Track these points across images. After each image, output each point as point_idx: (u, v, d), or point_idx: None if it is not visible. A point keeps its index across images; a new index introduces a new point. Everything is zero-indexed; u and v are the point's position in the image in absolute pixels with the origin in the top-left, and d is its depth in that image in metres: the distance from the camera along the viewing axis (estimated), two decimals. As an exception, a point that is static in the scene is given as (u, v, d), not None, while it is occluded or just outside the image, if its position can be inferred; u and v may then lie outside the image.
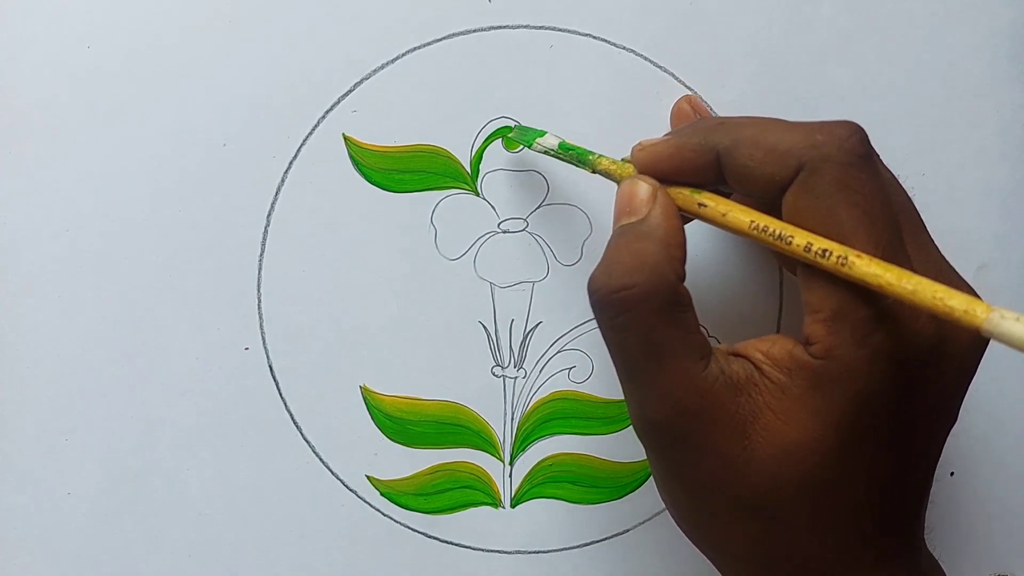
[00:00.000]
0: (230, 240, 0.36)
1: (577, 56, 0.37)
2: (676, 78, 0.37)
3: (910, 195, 0.32)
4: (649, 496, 0.38)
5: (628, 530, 0.38)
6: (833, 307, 0.27)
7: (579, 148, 0.34)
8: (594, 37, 0.37)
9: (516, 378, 0.38)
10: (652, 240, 0.29)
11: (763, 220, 0.28)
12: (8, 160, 0.35)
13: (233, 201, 0.36)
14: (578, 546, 0.38)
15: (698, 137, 0.30)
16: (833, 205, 0.27)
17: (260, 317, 0.36)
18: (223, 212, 0.36)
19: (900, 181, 0.32)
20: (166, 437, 0.36)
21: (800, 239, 0.27)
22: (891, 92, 0.39)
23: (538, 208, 0.37)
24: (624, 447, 0.38)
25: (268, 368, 0.37)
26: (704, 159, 0.29)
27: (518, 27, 0.37)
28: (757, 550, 0.29)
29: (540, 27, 0.37)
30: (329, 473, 0.37)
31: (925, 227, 0.31)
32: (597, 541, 0.38)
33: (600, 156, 0.33)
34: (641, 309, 0.28)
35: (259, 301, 0.36)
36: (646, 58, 0.37)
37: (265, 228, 0.36)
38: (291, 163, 0.36)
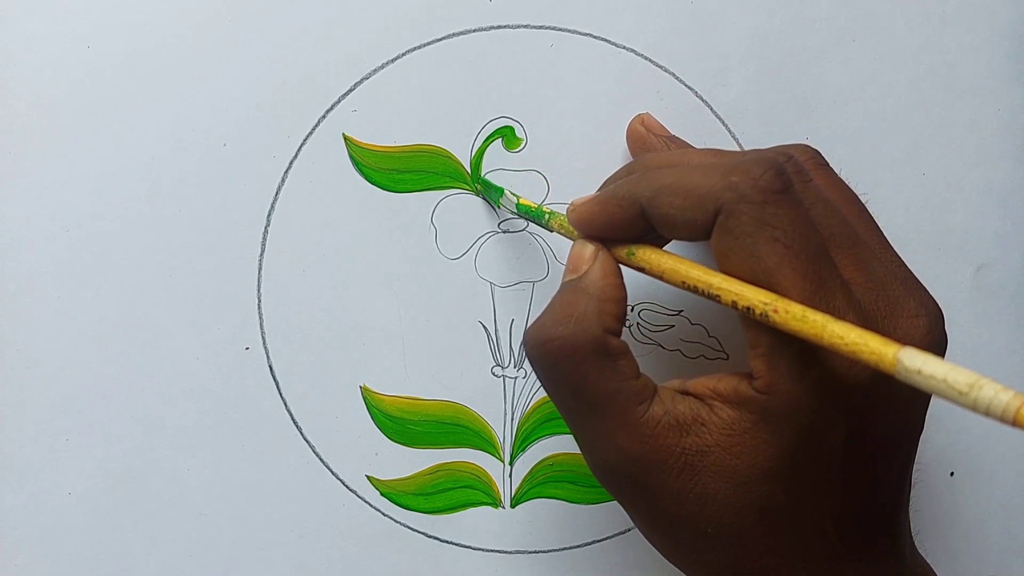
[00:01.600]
0: (230, 240, 0.36)
1: (577, 56, 0.37)
2: (676, 78, 0.37)
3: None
4: (649, 496, 0.38)
5: (628, 530, 0.38)
6: (769, 343, 0.28)
7: (535, 209, 0.34)
8: (594, 37, 0.37)
9: (516, 378, 0.38)
10: (585, 295, 0.30)
11: (692, 279, 0.29)
12: (8, 160, 0.35)
13: (233, 201, 0.36)
14: (578, 546, 0.38)
15: (622, 190, 0.30)
16: (753, 244, 0.27)
17: (260, 317, 0.36)
18: (223, 212, 0.36)
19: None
20: (166, 437, 0.36)
21: (726, 296, 0.28)
22: (891, 91, 0.39)
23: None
24: (624, 447, 0.38)
25: (268, 368, 0.37)
26: (630, 212, 0.30)
27: (518, 27, 0.37)
28: (728, 573, 0.30)
29: (540, 27, 0.37)
30: (329, 473, 0.37)
31: (874, 237, 0.31)
32: (597, 541, 0.38)
33: (553, 214, 0.34)
34: (568, 360, 0.29)
35: (259, 301, 0.36)
36: (646, 58, 0.37)
37: (265, 228, 0.36)
38: (291, 163, 0.36)
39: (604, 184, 0.33)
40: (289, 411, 0.37)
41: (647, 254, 0.30)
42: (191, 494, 0.36)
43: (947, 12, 0.39)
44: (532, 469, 0.38)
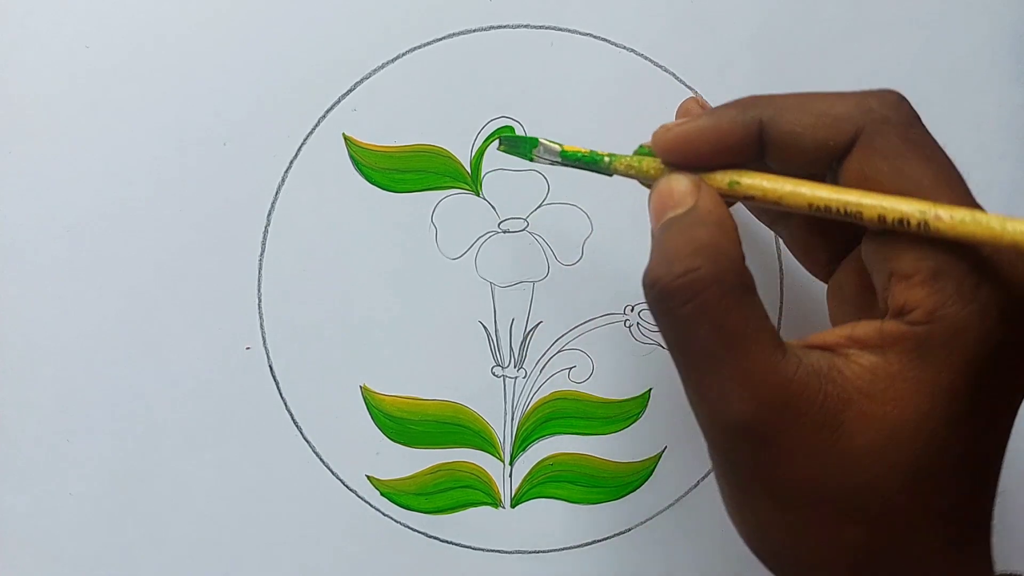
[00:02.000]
0: (230, 240, 0.36)
1: (577, 56, 0.37)
2: (676, 78, 0.37)
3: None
4: (649, 496, 0.38)
5: (628, 530, 0.38)
6: (931, 267, 0.25)
7: (587, 155, 0.30)
8: (594, 37, 0.37)
9: (516, 378, 0.38)
10: (705, 226, 0.27)
11: (822, 199, 0.26)
12: (8, 160, 0.35)
13: (233, 201, 0.36)
14: (578, 546, 0.38)
15: (734, 111, 0.28)
16: (904, 165, 0.26)
17: (260, 317, 0.36)
18: (223, 212, 0.36)
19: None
20: (166, 437, 0.36)
21: (870, 212, 0.26)
22: (892, 91, 0.38)
23: (538, 208, 0.37)
24: (624, 447, 0.38)
25: (268, 368, 0.37)
26: (744, 131, 0.27)
27: (518, 27, 0.37)
28: (860, 563, 0.26)
29: (540, 27, 0.37)
30: (329, 473, 0.37)
31: None
32: (597, 541, 0.38)
33: (614, 156, 0.30)
34: (712, 292, 0.26)
35: (259, 301, 0.36)
36: (646, 58, 0.37)
37: (265, 228, 0.36)
38: (291, 163, 0.36)
39: (698, 115, 0.29)
40: (289, 411, 0.37)
41: (757, 180, 0.27)
42: (191, 494, 0.36)
43: (948, 11, 0.38)
44: (532, 469, 0.38)
